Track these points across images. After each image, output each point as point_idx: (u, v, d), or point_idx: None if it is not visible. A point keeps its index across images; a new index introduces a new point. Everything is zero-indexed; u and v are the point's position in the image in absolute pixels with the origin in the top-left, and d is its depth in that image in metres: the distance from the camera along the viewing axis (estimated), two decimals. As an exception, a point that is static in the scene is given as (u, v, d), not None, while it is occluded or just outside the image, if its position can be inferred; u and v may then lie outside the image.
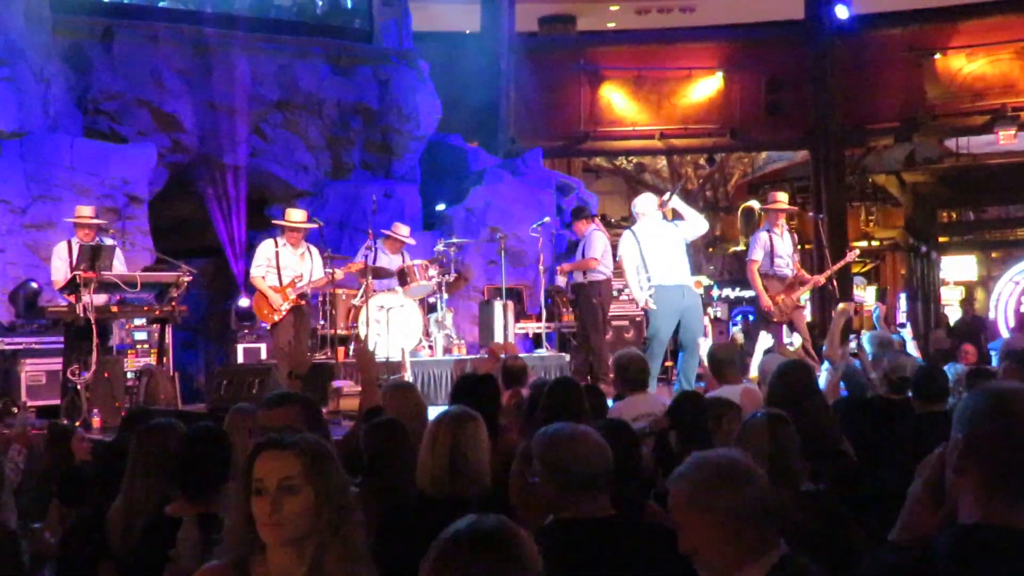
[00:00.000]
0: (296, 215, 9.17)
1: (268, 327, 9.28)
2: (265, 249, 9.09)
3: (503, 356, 6.96)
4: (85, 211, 8.75)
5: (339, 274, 9.29)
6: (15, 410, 8.19)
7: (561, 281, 11.58)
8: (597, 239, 10.11)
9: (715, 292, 19.13)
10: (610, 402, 5.63)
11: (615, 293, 11.06)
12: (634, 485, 3.37)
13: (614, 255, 9.75)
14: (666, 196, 8.73)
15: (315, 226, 9.23)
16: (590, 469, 2.80)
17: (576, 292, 10.40)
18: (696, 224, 8.67)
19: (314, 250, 9.20)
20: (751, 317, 11.79)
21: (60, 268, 8.42)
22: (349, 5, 14.67)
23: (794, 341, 9.11)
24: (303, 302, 9.00)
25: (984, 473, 1.82)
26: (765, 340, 9.13)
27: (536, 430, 4.01)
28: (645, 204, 8.64)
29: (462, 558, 1.77)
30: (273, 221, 9.34)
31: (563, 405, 4.23)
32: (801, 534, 3.03)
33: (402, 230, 10.62)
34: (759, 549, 2.18)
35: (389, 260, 10.31)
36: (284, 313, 8.83)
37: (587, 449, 2.84)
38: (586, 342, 10.00)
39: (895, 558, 1.94)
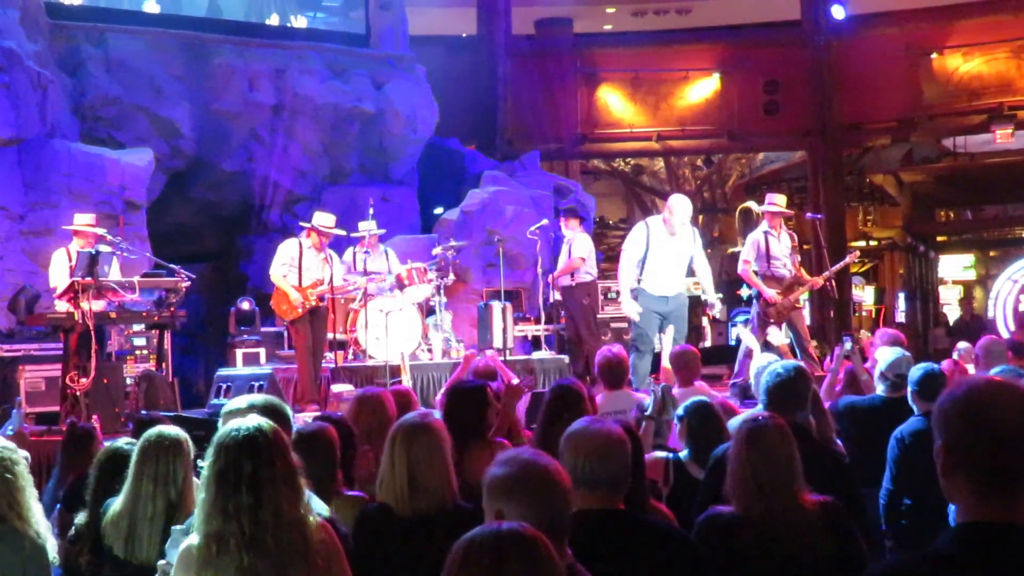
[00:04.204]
0: (326, 219, 9.05)
1: (286, 323, 9.29)
2: (289, 248, 9.07)
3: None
4: (84, 219, 8.67)
5: (362, 282, 9.46)
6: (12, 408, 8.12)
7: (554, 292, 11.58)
8: (585, 240, 10.12)
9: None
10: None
11: (611, 295, 11.07)
12: (640, 485, 3.36)
13: (598, 259, 9.78)
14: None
15: (343, 233, 9.23)
16: (603, 464, 2.81)
17: (565, 295, 10.38)
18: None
19: (334, 257, 9.19)
20: (745, 318, 11.78)
21: (59, 274, 8.38)
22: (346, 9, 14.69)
23: (773, 340, 9.07)
24: (323, 303, 9.02)
25: (972, 475, 1.78)
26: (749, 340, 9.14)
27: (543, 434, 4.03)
28: (679, 206, 8.45)
29: (490, 563, 1.79)
30: (301, 223, 9.31)
31: (565, 408, 4.24)
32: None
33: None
34: (558, 551, 2.34)
35: (373, 261, 10.32)
36: (303, 312, 8.85)
37: (604, 445, 2.84)
38: (579, 344, 9.99)
39: (900, 561, 1.91)
